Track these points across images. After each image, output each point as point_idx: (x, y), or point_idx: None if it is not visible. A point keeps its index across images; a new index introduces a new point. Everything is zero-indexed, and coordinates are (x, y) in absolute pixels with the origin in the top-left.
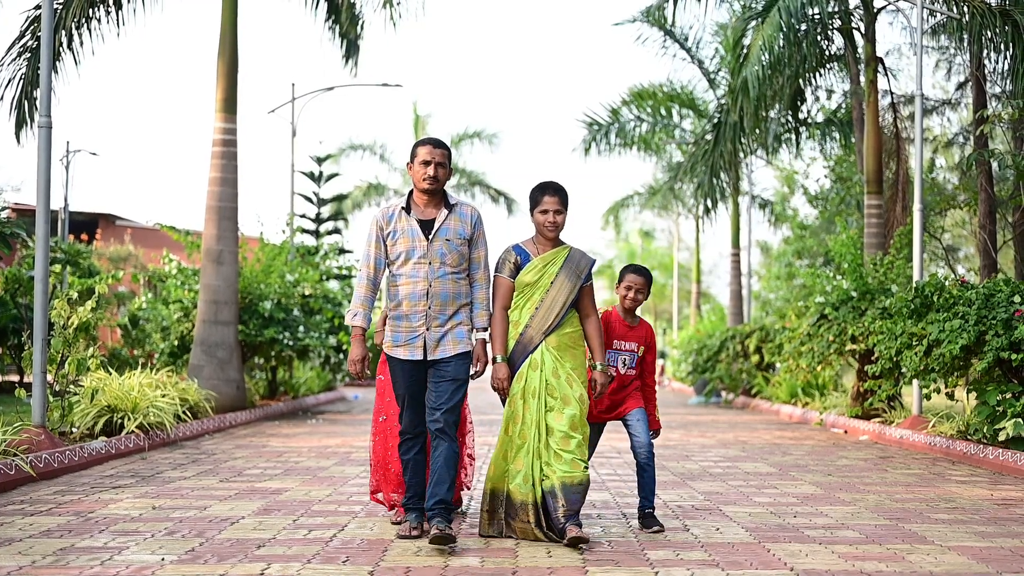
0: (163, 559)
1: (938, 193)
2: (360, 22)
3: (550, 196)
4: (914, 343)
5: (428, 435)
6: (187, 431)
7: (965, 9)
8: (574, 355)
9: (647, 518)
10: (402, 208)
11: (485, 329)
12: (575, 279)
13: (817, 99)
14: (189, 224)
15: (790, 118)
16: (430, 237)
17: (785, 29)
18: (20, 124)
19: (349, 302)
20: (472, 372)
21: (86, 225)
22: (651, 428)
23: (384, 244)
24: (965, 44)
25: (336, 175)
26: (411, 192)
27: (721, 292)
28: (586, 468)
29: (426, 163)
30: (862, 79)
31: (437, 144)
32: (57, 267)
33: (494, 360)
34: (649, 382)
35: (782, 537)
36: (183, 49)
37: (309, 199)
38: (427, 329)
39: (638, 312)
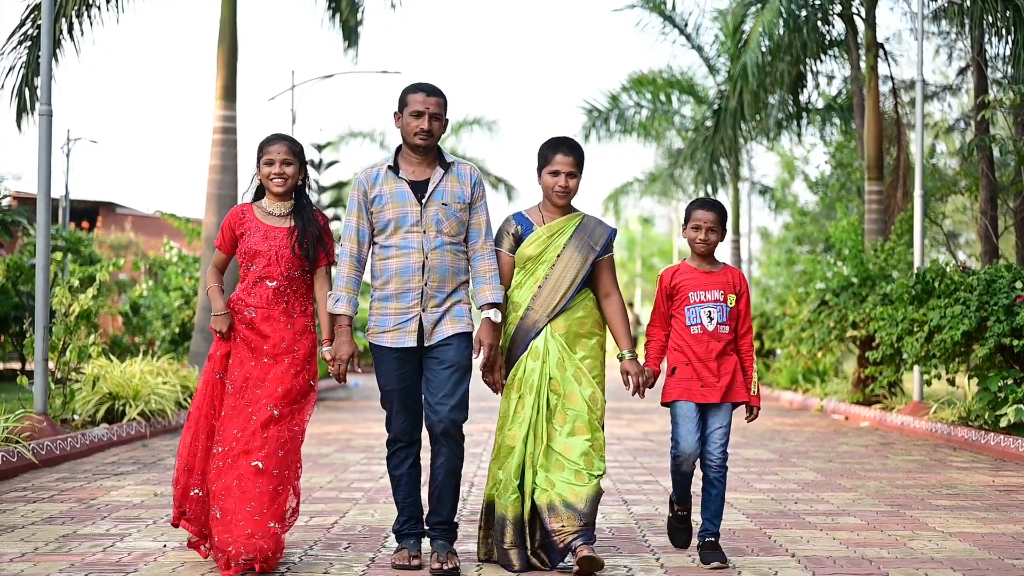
0: (165, 545)
1: (939, 179)
2: (360, 8)
3: (563, 155)
4: (915, 329)
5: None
6: None
7: None
8: (587, 345)
9: (707, 549)
10: (388, 167)
11: (491, 305)
12: (587, 251)
13: (817, 85)
14: (189, 212)
15: (790, 104)
16: (423, 201)
17: (785, 15)
18: (21, 112)
19: None
20: (475, 357)
21: (87, 213)
22: (749, 402)
23: (368, 212)
24: (966, 29)
25: (336, 162)
26: (399, 148)
27: None
28: (595, 479)
29: (418, 114)
30: (863, 65)
31: (431, 91)
32: (58, 255)
33: None
34: (742, 345)
35: (783, 523)
36: (183, 37)
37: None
38: (423, 310)
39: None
